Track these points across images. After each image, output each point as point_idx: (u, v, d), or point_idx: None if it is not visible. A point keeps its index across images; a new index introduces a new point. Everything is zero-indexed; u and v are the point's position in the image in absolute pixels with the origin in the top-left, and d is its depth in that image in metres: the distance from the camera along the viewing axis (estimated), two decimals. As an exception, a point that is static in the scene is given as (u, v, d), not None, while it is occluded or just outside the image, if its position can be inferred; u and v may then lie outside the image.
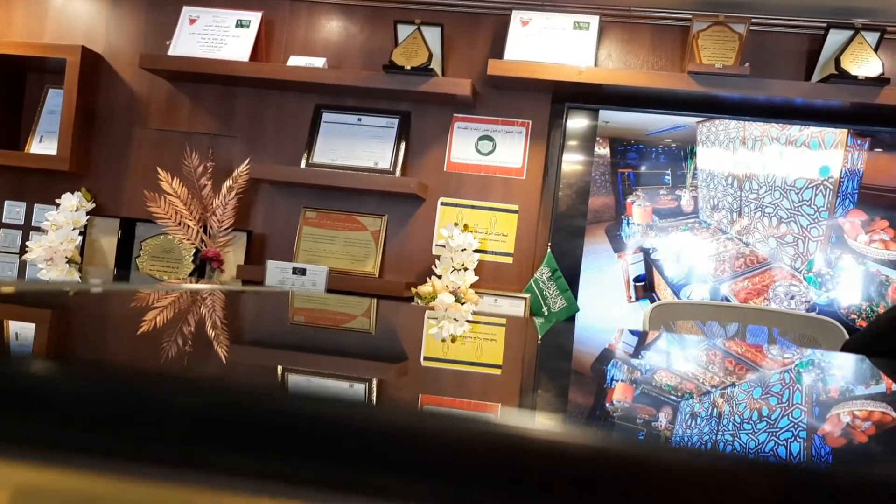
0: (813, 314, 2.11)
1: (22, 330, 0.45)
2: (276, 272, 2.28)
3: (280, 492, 0.25)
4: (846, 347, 1.21)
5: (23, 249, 2.54)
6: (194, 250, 2.43)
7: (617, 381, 0.54)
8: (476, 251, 2.34)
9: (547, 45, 2.32)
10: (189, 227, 2.39)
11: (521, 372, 0.56)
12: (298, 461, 0.25)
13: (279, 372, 0.40)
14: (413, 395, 0.38)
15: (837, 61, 2.15)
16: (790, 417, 0.39)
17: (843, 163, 2.26)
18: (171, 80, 2.53)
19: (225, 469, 0.25)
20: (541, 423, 0.27)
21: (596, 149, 2.38)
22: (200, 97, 2.55)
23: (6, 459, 0.26)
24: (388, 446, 0.24)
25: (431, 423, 0.25)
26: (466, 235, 2.34)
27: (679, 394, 0.46)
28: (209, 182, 2.41)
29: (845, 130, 2.25)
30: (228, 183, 2.37)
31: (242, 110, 2.53)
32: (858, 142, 2.25)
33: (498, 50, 2.37)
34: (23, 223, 2.63)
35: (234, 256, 2.46)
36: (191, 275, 2.47)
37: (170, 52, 2.44)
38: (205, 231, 2.41)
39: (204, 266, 2.40)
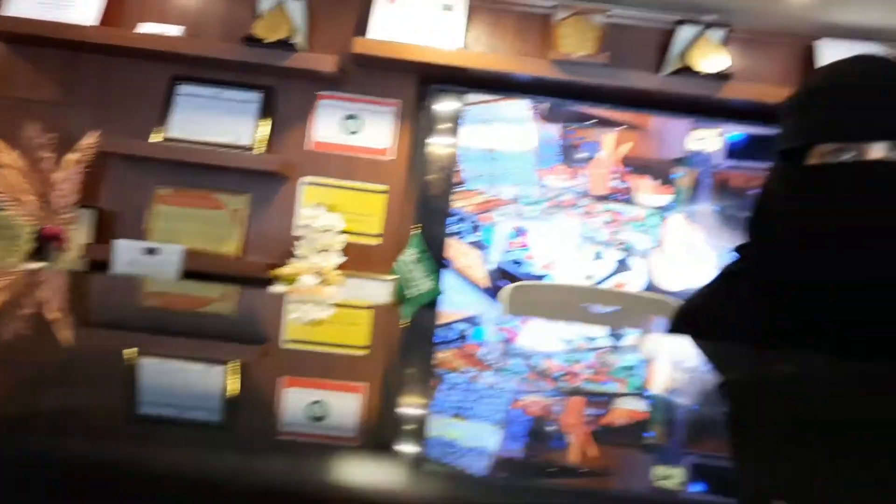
0: (655, 295, 2.23)
1: None
2: (126, 252, 2.15)
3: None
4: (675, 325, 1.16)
5: None
6: (36, 228, 2.25)
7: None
8: (342, 232, 2.30)
9: (414, 26, 2.30)
10: (27, 202, 2.20)
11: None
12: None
13: None
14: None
15: (685, 56, 2.27)
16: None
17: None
18: (6, 41, 2.31)
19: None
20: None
21: (463, 132, 2.39)
22: (42, 62, 2.34)
23: None
24: None
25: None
26: (332, 216, 2.30)
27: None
28: (51, 155, 2.23)
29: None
30: (73, 156, 2.20)
31: (90, 78, 2.36)
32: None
33: (365, 27, 2.33)
34: None
35: (80, 235, 2.30)
36: (32, 255, 2.29)
37: (3, 13, 2.22)
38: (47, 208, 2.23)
39: (46, 246, 2.22)
